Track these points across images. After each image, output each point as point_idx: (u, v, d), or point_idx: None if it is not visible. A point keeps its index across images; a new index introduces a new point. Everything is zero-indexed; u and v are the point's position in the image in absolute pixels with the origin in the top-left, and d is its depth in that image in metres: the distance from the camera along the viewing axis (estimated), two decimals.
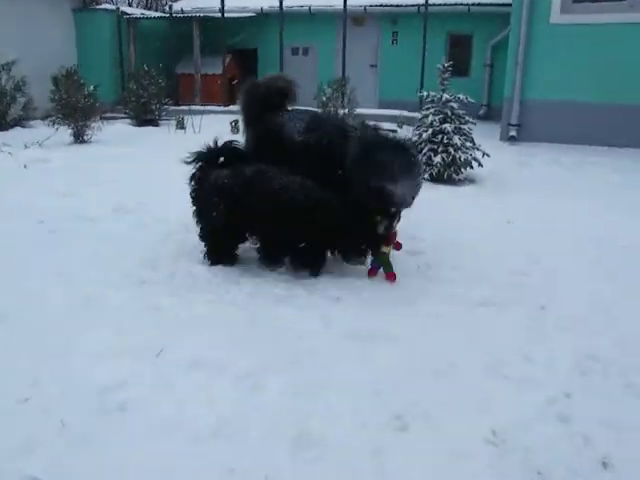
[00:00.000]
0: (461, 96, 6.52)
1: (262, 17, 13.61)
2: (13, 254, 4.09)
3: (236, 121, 10.54)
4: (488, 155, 6.64)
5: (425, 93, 6.67)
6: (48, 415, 2.30)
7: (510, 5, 9.40)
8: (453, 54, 13.21)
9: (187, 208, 5.32)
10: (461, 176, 6.52)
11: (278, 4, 12.23)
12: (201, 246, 4.04)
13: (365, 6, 12.88)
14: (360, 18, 13.52)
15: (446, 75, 6.57)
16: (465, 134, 6.52)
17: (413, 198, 3.59)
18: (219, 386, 2.55)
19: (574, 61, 8.92)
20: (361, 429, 2.27)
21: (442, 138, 6.44)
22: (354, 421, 2.32)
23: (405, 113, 10.93)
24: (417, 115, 7.31)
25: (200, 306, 3.34)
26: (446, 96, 6.47)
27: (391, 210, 3.53)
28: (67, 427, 2.23)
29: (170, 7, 13.26)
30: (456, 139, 6.37)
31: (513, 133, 9.34)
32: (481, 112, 12.43)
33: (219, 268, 3.91)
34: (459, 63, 13.16)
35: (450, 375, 2.67)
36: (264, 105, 4.17)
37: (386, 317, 3.22)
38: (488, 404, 2.46)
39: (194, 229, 4.76)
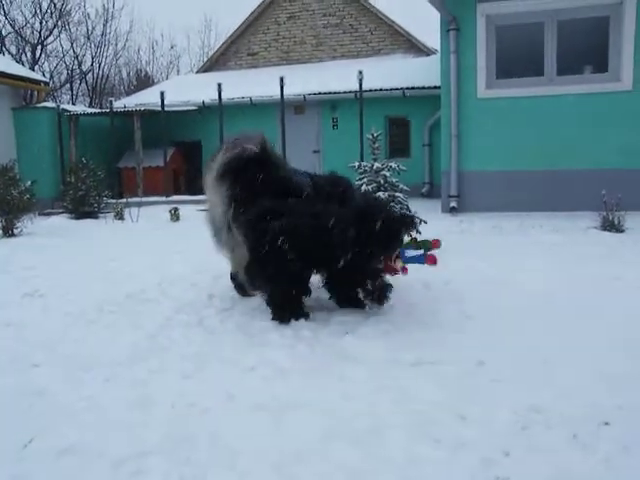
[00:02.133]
0: (392, 164, 6.49)
1: (205, 110, 13.82)
2: None
3: (175, 209, 10.40)
4: (425, 222, 6.52)
5: (356, 164, 6.60)
6: None
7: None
8: (393, 136, 13.64)
9: (107, 289, 5.01)
10: None
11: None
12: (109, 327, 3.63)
13: (304, 94, 13.24)
14: (300, 106, 13.88)
15: (376, 145, 6.55)
16: (400, 202, 6.42)
17: None
18: (92, 474, 2.10)
19: (503, 132, 9.14)
20: None
21: None
22: None
23: None
24: None
25: (91, 388, 2.90)
26: (377, 165, 6.41)
27: None
28: None
29: (110, 103, 13.31)
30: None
31: (454, 204, 9.38)
32: (424, 190, 12.56)
33: (126, 346, 3.49)
34: (399, 144, 13.62)
35: (370, 441, 2.28)
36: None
37: (303, 386, 2.83)
38: (412, 472, 2.07)
39: (108, 308, 4.41)
